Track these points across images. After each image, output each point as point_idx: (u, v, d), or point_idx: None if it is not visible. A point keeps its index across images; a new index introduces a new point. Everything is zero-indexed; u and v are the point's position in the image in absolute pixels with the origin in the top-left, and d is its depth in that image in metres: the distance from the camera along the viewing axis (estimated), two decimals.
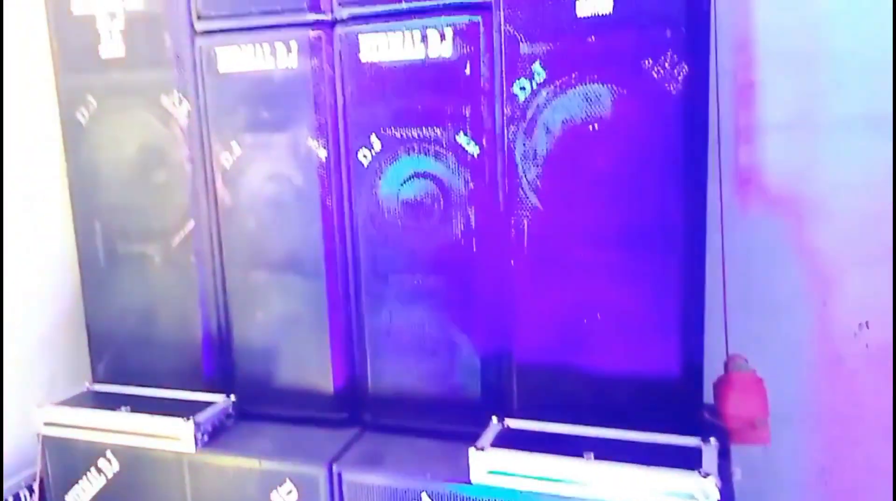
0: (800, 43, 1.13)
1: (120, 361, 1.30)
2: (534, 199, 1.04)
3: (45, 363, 1.33)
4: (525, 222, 1.05)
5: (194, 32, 1.16)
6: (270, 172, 1.17)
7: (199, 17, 1.15)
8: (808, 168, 1.16)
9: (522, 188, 1.04)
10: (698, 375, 1.02)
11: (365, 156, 1.12)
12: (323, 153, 1.14)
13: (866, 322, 1.17)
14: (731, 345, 1.12)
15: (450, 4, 1.03)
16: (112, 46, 1.19)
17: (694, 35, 0.94)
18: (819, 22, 1.13)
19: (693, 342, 1.00)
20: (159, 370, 1.27)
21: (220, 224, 1.22)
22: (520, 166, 1.04)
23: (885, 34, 1.10)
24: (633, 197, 0.99)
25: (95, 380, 1.32)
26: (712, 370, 1.08)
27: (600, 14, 0.96)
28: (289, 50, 1.11)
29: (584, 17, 0.97)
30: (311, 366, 1.19)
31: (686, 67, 0.94)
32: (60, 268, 1.33)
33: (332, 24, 1.10)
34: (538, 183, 1.03)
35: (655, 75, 0.95)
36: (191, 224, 1.23)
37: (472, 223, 1.08)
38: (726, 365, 1.11)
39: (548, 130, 1.02)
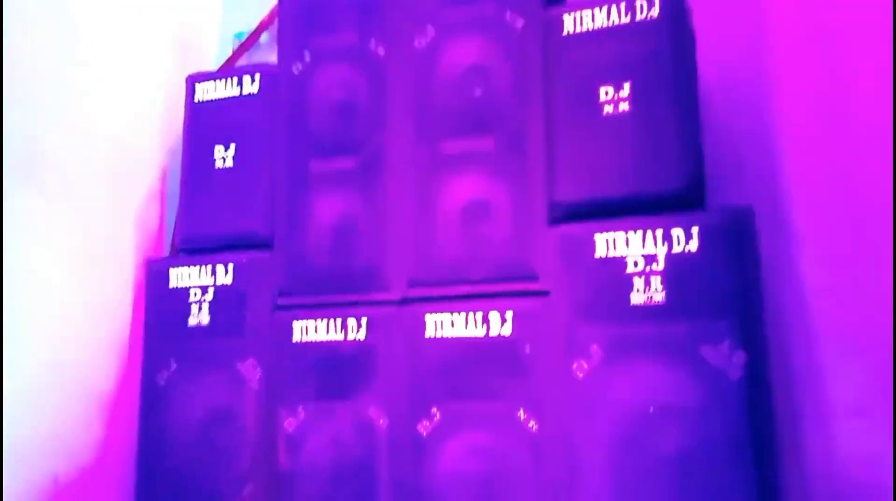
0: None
1: None
2: (596, 482, 1.01)
3: None
4: None
5: (275, 306, 1.27)
6: (331, 439, 1.19)
7: (281, 294, 1.27)
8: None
9: (583, 470, 1.02)
10: None
11: (424, 427, 1.14)
12: (383, 423, 1.16)
13: None
14: None
15: (511, 291, 1.11)
16: (199, 316, 1.30)
17: (749, 323, 0.98)
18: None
19: None
20: None
21: (279, 489, 1.22)
22: (580, 446, 1.03)
23: None
24: (702, 484, 0.95)
25: None
26: None
27: (654, 302, 1.02)
28: (359, 326, 1.20)
29: (638, 305, 1.03)
30: None
31: (744, 354, 0.96)
32: None
33: (401, 303, 1.19)
34: (600, 465, 1.01)
35: (714, 362, 0.97)
36: (248, 487, 1.23)
37: None
38: None
39: (608, 411, 1.02)
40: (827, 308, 1.19)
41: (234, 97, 1.40)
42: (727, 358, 0.96)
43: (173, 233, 1.51)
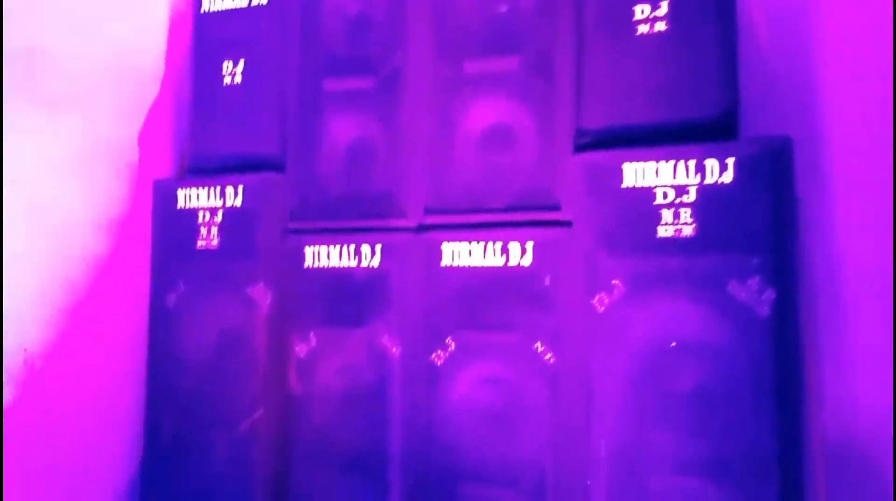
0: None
1: None
2: (612, 416, 1.00)
3: None
4: (603, 439, 1.00)
5: (286, 230, 1.24)
6: (343, 366, 1.18)
7: (292, 218, 1.23)
8: None
9: (601, 404, 1.00)
10: None
11: (438, 357, 1.12)
12: (396, 351, 1.14)
13: None
14: None
15: (532, 221, 1.07)
16: (208, 239, 1.27)
17: (781, 260, 0.94)
18: None
19: None
20: None
21: (289, 415, 1.21)
22: (598, 381, 1.01)
23: None
24: (722, 422, 0.93)
25: None
26: None
27: (683, 236, 0.98)
28: (373, 252, 1.16)
29: (665, 238, 0.99)
30: None
31: (774, 292, 0.93)
32: (122, 450, 1.33)
33: (417, 230, 1.15)
34: (617, 400, 0.99)
35: (741, 299, 0.94)
36: (259, 411, 1.23)
37: (547, 436, 1.04)
38: None
39: (628, 346, 1.00)
40: (856, 250, 1.15)
41: (242, 8, 1.32)
42: (756, 295, 0.93)
43: (181, 152, 1.45)
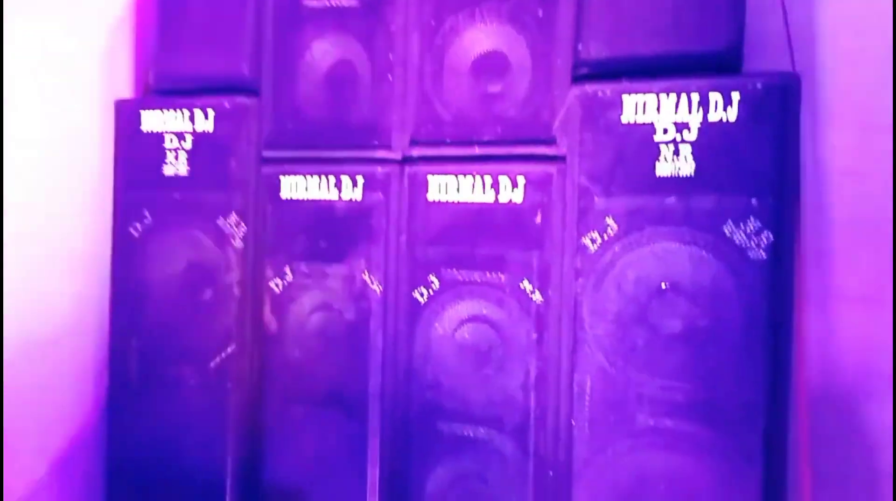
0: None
1: (138, 490, 1.21)
2: (600, 357, 0.98)
3: (58, 486, 1.24)
4: (588, 380, 0.99)
5: (261, 159, 1.16)
6: (321, 303, 1.14)
7: (268, 146, 1.16)
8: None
9: (588, 345, 0.98)
10: None
11: (422, 295, 1.08)
12: (378, 288, 1.10)
13: None
14: None
15: (524, 154, 1.02)
16: (176, 165, 1.19)
17: (781, 203, 0.91)
18: None
19: None
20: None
21: (263, 351, 1.17)
22: (586, 321, 0.99)
23: None
24: (711, 365, 0.92)
25: None
26: None
27: (681, 175, 0.94)
28: (354, 184, 1.10)
29: (664, 177, 0.95)
30: None
31: (771, 235, 0.90)
32: (88, 385, 1.27)
33: (402, 162, 1.09)
34: (606, 341, 0.98)
35: (737, 241, 0.91)
36: (231, 348, 1.18)
37: (532, 376, 1.02)
38: None
39: (619, 286, 0.97)
40: (845, 193, 1.14)
41: None
42: (753, 238, 0.91)
43: (147, 70, 1.35)
